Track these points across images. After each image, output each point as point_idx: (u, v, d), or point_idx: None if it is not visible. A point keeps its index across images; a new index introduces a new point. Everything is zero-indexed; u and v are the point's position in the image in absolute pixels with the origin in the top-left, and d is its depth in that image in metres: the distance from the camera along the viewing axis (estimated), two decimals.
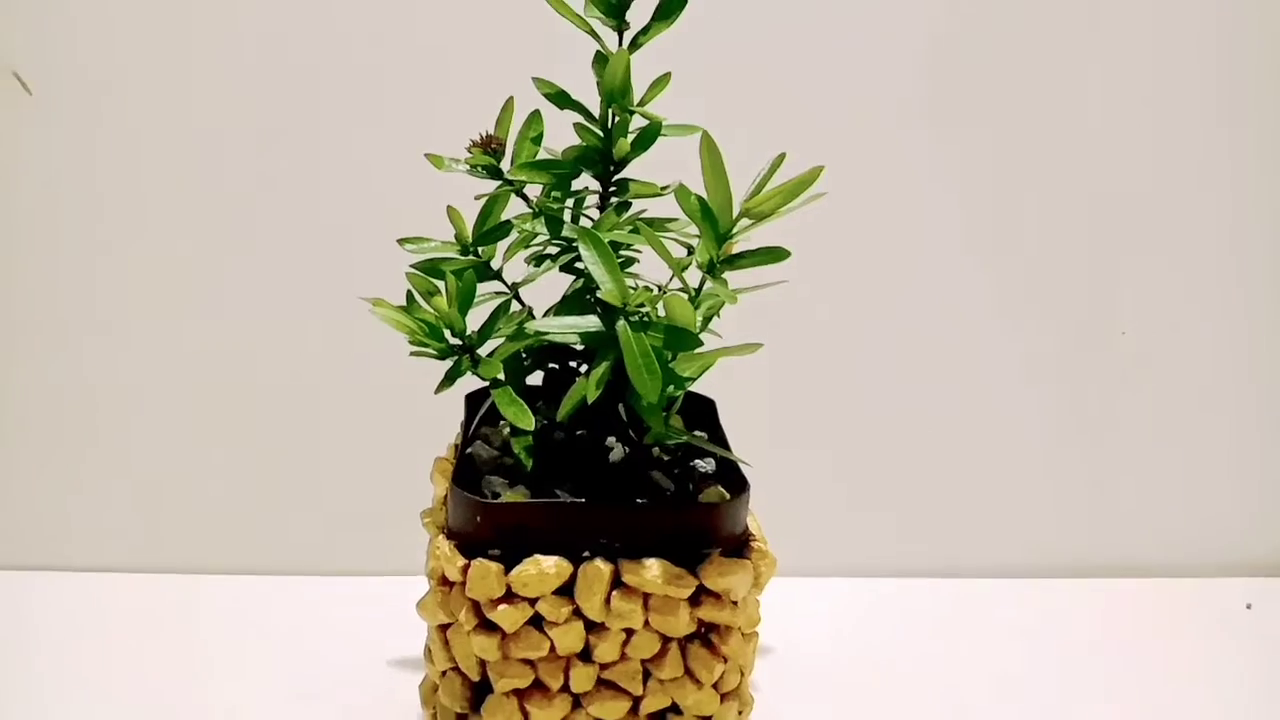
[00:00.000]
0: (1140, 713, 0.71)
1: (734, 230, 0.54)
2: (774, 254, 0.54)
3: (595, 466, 0.62)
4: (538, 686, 0.58)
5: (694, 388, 0.62)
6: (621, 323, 0.54)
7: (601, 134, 0.60)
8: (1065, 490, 0.87)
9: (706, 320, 0.57)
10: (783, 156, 0.54)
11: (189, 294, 0.81)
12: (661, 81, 0.59)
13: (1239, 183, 0.84)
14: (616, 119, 0.60)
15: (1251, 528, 0.88)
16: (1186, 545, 0.88)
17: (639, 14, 0.59)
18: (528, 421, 0.58)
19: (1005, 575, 0.86)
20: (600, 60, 0.60)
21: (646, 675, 0.58)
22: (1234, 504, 0.88)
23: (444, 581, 0.58)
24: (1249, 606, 0.83)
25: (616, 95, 0.58)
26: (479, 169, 0.60)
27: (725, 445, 0.64)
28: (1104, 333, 0.85)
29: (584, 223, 0.63)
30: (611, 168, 0.61)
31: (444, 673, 0.60)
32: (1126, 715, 0.71)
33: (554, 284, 0.63)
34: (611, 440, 0.63)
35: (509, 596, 0.56)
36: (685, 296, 0.55)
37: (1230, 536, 0.88)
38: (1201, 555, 0.88)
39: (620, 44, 0.59)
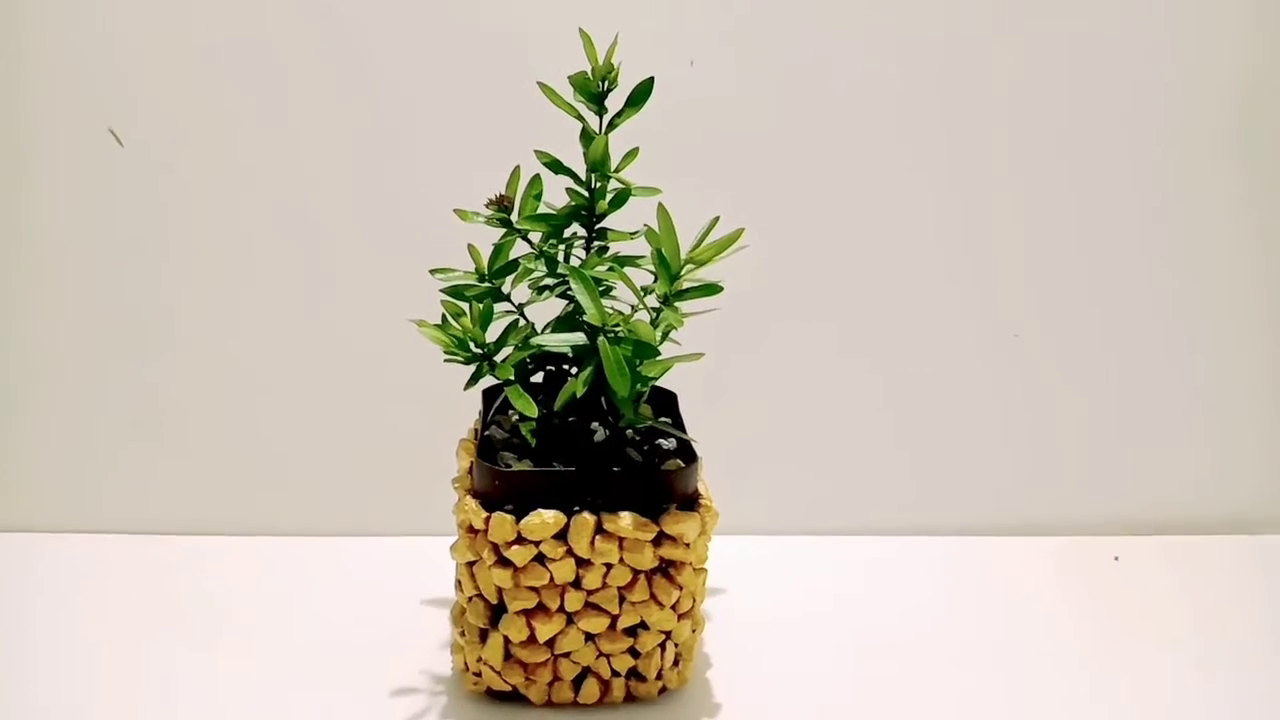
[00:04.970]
0: (1019, 658, 0.76)
1: (681, 273, 0.63)
2: (710, 289, 0.63)
3: (583, 444, 0.69)
4: (541, 607, 0.65)
5: (658, 384, 0.70)
6: (601, 338, 0.63)
7: (587, 195, 0.69)
8: (954, 454, 0.92)
9: (664, 336, 0.65)
10: (716, 219, 0.64)
11: (272, 316, 0.89)
12: (631, 154, 0.69)
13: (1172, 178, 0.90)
14: (598, 184, 0.68)
15: (1119, 489, 0.94)
16: (1062, 504, 0.93)
17: (614, 101, 0.68)
18: (532, 410, 0.65)
19: (894, 534, 0.92)
20: (585, 137, 0.68)
21: (622, 599, 0.66)
22: (1103, 467, 0.94)
23: (470, 530, 0.66)
24: (1116, 559, 0.89)
25: (597, 166, 0.68)
26: (494, 220, 0.68)
27: (682, 427, 0.71)
28: (1000, 323, 0.92)
29: (573, 261, 0.70)
30: (594, 220, 0.69)
31: (470, 598, 0.67)
32: (1009, 659, 0.76)
33: (551, 306, 0.70)
34: (595, 424, 0.70)
35: (520, 540, 0.64)
36: (648, 319, 0.64)
37: (1099, 497, 0.93)
38: (1075, 514, 0.93)
39: (600, 125, 0.68)
